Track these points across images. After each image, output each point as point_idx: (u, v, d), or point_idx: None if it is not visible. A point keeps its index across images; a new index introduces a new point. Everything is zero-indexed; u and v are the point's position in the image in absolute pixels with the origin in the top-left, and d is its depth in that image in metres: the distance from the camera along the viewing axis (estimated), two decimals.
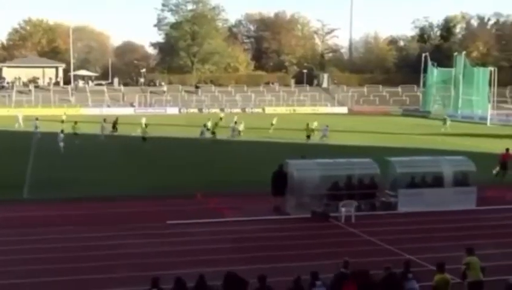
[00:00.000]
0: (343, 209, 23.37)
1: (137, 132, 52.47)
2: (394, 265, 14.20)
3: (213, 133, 53.37)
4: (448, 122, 68.95)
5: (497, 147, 49.24)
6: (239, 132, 55.75)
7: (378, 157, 27.80)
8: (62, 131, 46.02)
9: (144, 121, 58.24)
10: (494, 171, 33.43)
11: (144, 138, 47.51)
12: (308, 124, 53.77)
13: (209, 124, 55.80)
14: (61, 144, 43.71)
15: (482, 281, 14.36)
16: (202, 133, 51.79)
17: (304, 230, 21.97)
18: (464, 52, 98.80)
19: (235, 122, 56.59)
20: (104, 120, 53.35)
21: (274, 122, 61.42)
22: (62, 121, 59.78)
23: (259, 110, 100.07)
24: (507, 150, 34.41)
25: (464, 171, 26.55)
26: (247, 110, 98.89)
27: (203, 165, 37.80)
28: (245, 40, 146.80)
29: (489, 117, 79.32)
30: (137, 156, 42.41)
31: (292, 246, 19.82)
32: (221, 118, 65.23)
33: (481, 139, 56.41)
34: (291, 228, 22.30)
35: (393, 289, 13.56)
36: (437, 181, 26.11)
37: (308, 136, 52.22)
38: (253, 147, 49.03)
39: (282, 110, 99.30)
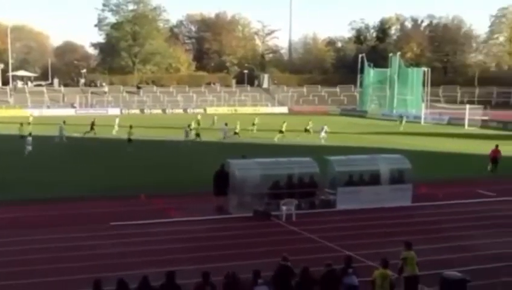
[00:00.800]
0: (284, 208, 23.59)
1: (113, 133, 52.30)
2: (335, 261, 14.44)
3: (197, 134, 51.31)
4: (404, 121, 70.50)
5: (431, 145, 50.66)
6: (235, 133, 53.48)
7: (318, 156, 28.18)
8: (30, 134, 44.99)
9: (117, 121, 58.06)
10: (489, 168, 35.79)
11: (129, 140, 46.61)
12: (284, 122, 54.66)
13: (193, 125, 55.06)
14: (29, 148, 42.29)
15: (417, 275, 14.75)
16: (187, 134, 49.66)
17: (246, 229, 22.09)
18: (398, 53, 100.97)
19: (226, 124, 54.34)
20: (64, 122, 52.15)
21: (256, 122, 61.37)
22: (28, 124, 57.93)
23: (201, 110, 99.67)
24: (496, 146, 37.07)
25: (400, 169, 27.14)
26: (188, 110, 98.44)
27: (158, 166, 37.26)
28: (186, 41, 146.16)
29: (423, 116, 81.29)
30: (94, 157, 41.69)
31: (235, 245, 19.90)
32: (198, 120, 63.45)
33: (416, 138, 57.77)
34: (233, 227, 22.38)
35: (333, 285, 13.81)
36: (374, 179, 26.61)
37: (281, 131, 53.04)
38: (232, 149, 47.49)
39: (223, 110, 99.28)
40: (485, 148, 48.70)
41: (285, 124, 54.48)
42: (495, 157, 36.44)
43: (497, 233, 21.80)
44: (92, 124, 55.32)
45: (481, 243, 20.47)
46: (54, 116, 64.50)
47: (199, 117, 66.59)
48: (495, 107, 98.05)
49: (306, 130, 55.54)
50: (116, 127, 56.78)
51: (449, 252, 19.37)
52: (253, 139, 53.14)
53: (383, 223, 23.05)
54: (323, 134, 52.50)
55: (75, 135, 53.03)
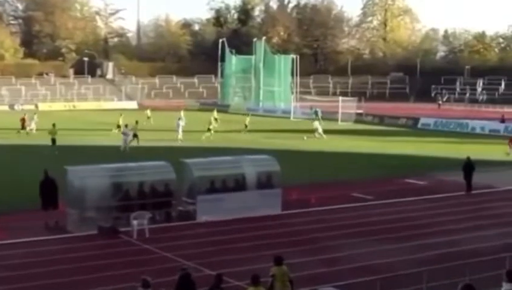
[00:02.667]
0: (135, 223, 23.26)
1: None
2: (200, 284, 14.55)
3: (135, 135, 47.46)
4: (320, 115, 71.83)
5: (301, 143, 52.11)
6: (208, 129, 53.36)
7: (174, 159, 28.06)
8: None
9: (35, 118, 57.03)
10: (508, 151, 43.61)
11: (53, 141, 43.91)
12: (212, 119, 56.58)
13: (120, 122, 53.32)
14: None
15: None
16: (127, 136, 46.88)
17: (89, 250, 21.55)
18: (263, 38, 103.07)
19: (179, 118, 53.81)
20: None
21: (181, 115, 60.23)
22: None
23: (32, 106, 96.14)
24: None
25: (268, 172, 27.72)
26: (16, 107, 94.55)
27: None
28: (12, 22, 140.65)
29: (292, 110, 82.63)
30: None
31: (77, 270, 19.32)
32: (148, 118, 62.76)
33: (285, 135, 59.17)
34: (74, 249, 21.72)
35: None
36: (239, 184, 26.97)
37: (209, 129, 53.54)
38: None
39: (59, 106, 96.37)
40: (361, 145, 51.08)
41: (248, 119, 57.71)
42: None
43: (373, 241, 22.83)
44: (23, 122, 55.65)
45: (356, 254, 21.38)
46: None
47: (149, 115, 66.82)
48: (370, 99, 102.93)
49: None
50: (32, 125, 56.16)
51: (324, 265, 20.07)
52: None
53: (251, 236, 23.40)
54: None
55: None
